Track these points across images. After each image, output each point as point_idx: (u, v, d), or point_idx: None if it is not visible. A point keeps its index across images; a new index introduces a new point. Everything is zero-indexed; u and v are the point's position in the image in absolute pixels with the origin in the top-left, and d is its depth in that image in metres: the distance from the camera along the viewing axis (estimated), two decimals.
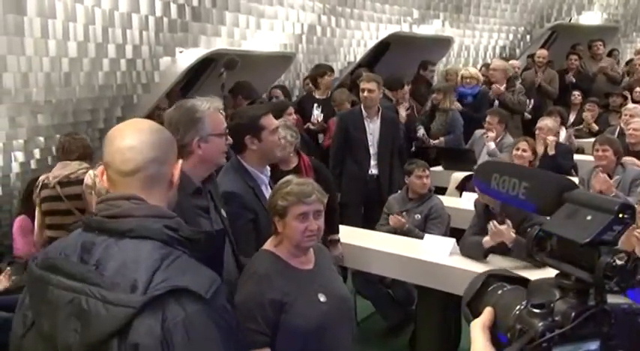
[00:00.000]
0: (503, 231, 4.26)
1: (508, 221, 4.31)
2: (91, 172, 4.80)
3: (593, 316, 0.97)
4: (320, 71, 7.92)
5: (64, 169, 4.93)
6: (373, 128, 6.31)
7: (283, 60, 8.48)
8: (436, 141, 7.78)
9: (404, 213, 5.35)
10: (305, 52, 8.81)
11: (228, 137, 3.01)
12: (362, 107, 6.33)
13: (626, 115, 7.62)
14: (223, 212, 3.04)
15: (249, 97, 7.15)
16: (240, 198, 3.28)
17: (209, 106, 2.90)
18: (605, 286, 0.95)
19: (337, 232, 4.89)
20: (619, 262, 0.95)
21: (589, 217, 0.98)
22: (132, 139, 1.75)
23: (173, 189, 1.83)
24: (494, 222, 4.32)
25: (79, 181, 4.83)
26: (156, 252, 1.59)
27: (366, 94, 6.25)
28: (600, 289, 0.97)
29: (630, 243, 3.84)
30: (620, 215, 0.96)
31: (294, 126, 5.21)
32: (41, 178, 4.98)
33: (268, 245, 3.05)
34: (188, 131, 2.85)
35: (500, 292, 1.10)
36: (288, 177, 3.08)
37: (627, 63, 11.87)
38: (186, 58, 7.02)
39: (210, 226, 2.85)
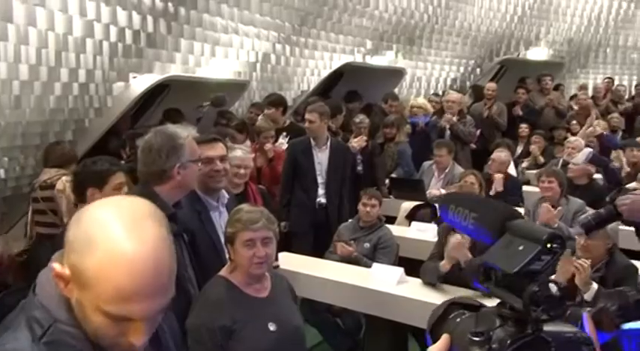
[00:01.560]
0: (464, 243, 4.32)
1: (467, 236, 4.38)
2: (64, 178, 5.28)
3: (530, 344, 1.00)
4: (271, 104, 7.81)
5: (43, 175, 5.58)
6: (322, 157, 6.36)
7: (237, 87, 8.53)
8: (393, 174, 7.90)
9: (353, 241, 5.41)
10: (259, 80, 8.88)
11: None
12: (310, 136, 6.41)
13: (568, 147, 7.86)
14: (185, 236, 3.09)
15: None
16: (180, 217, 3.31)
17: (187, 134, 3.01)
18: (532, 314, 0.99)
19: (276, 259, 4.91)
20: (545, 291, 0.98)
21: (521, 247, 1.02)
22: None
23: None
24: (462, 234, 4.37)
25: (53, 186, 5.38)
26: None
27: (307, 124, 6.34)
28: (533, 318, 1.00)
29: (567, 272, 3.95)
30: (549, 245, 0.99)
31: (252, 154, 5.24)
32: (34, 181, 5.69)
33: (224, 271, 3.09)
34: (170, 157, 2.94)
35: (458, 319, 1.14)
36: (241, 205, 3.14)
37: (572, 97, 12.23)
38: (139, 84, 7.01)
39: (180, 252, 2.88)
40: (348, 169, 6.64)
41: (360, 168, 7.42)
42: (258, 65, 8.71)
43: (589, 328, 1.78)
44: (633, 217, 2.83)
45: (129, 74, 6.90)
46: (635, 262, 4.18)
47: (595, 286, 3.91)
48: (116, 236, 1.18)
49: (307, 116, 6.35)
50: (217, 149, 3.61)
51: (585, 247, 4.00)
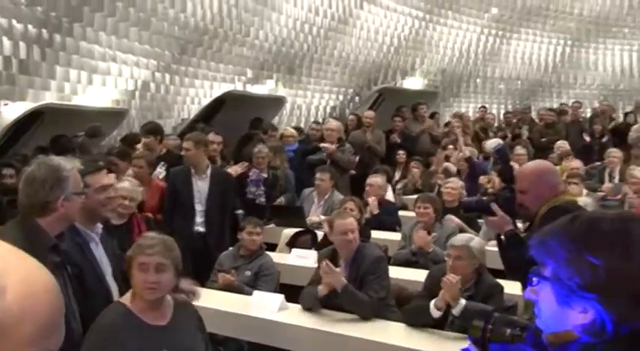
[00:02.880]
0: (336, 272, 4.42)
1: (342, 263, 4.45)
2: None
3: None
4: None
5: None
6: (202, 185, 6.35)
7: (115, 116, 8.39)
8: (278, 201, 7.95)
9: (234, 270, 5.42)
10: (138, 108, 8.77)
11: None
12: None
13: (441, 173, 8.23)
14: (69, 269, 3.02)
15: (64, 152, 6.95)
16: (65, 253, 3.25)
17: (72, 166, 2.96)
18: None
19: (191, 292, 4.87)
20: None
21: None
22: None
23: None
24: (327, 261, 4.46)
25: None
26: None
27: (183, 152, 6.35)
28: None
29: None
30: None
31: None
32: None
33: (124, 297, 3.08)
34: (54, 189, 2.86)
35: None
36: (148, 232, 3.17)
37: (446, 125, 12.78)
38: (11, 111, 6.78)
39: (64, 284, 2.81)
40: (230, 196, 6.64)
41: (263, 199, 7.49)
42: (137, 93, 8.61)
43: None
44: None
45: (0, 101, 6.67)
46: (500, 281, 4.42)
47: (463, 301, 4.11)
48: (28, 266, 1.02)
49: (183, 144, 6.35)
50: (110, 177, 3.57)
51: (453, 268, 4.20)
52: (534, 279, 1.42)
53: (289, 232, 7.02)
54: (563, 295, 1.34)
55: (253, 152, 7.93)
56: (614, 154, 9.49)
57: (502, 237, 3.64)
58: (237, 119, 10.41)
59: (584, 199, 6.28)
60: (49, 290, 1.00)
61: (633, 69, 17.22)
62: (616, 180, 8.93)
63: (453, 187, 7.31)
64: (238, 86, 10.35)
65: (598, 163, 10.26)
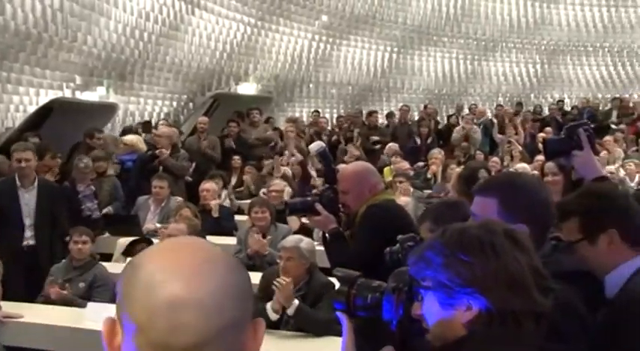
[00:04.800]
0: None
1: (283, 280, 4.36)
2: None
3: None
4: None
5: None
6: (29, 198, 6.13)
7: None
8: (105, 210, 7.75)
9: (67, 282, 5.28)
10: None
11: None
12: (16, 176, 6.15)
13: (277, 177, 8.45)
14: None
15: None
16: None
17: None
18: None
19: None
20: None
21: None
22: (194, 283, 0.97)
23: None
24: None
25: None
26: None
27: (23, 163, 6.09)
28: None
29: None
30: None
31: None
32: None
33: None
34: None
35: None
36: None
37: (275, 129, 12.95)
38: None
39: None
40: (60, 208, 6.43)
41: (98, 213, 7.29)
42: None
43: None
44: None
45: None
46: (332, 279, 4.62)
47: (296, 302, 4.28)
48: None
49: (23, 155, 6.07)
50: None
51: (285, 269, 4.36)
52: (418, 294, 1.59)
53: (125, 241, 6.90)
54: (446, 298, 1.51)
55: (78, 167, 7.53)
56: (436, 155, 10.14)
57: (327, 235, 3.80)
58: (67, 128, 10.05)
59: (405, 199, 6.69)
60: None
61: (453, 75, 18.41)
62: (439, 179, 9.54)
63: (277, 189, 7.52)
64: (67, 93, 10.00)
65: (421, 164, 10.93)
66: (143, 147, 9.00)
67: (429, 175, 9.79)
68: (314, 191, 7.58)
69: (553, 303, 1.53)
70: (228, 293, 0.98)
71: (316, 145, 8.32)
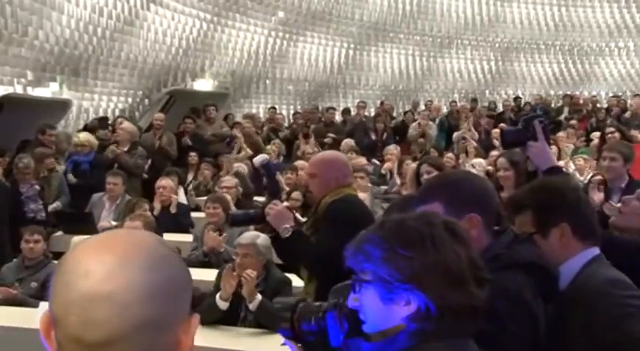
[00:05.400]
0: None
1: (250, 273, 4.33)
2: None
3: None
4: None
5: None
6: None
7: None
8: (53, 205, 7.64)
9: (18, 282, 5.20)
10: None
11: None
12: None
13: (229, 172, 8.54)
14: None
15: None
16: None
17: None
18: None
19: None
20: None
21: None
22: (110, 278, 0.95)
23: None
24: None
25: None
26: None
27: None
28: None
29: (231, 286, 4.31)
30: None
31: None
32: None
33: None
34: None
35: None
36: None
37: (232, 126, 12.86)
38: None
39: None
40: (4, 207, 6.31)
41: (43, 214, 7.19)
42: None
43: None
44: None
45: None
46: (288, 275, 4.64)
47: (259, 296, 4.28)
48: None
49: None
50: None
51: (241, 265, 4.35)
52: (357, 286, 1.57)
53: (79, 239, 6.76)
54: (386, 293, 1.50)
55: (18, 167, 7.35)
56: (391, 151, 10.22)
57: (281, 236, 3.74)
58: (19, 124, 9.86)
59: (363, 195, 6.72)
60: None
61: (409, 71, 18.54)
62: (395, 175, 9.60)
63: (227, 185, 7.51)
64: (18, 89, 9.79)
65: (376, 161, 11.00)
66: (95, 143, 8.83)
67: (383, 171, 9.85)
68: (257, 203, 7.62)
69: (491, 288, 1.55)
70: (148, 290, 0.96)
71: (260, 158, 8.48)
